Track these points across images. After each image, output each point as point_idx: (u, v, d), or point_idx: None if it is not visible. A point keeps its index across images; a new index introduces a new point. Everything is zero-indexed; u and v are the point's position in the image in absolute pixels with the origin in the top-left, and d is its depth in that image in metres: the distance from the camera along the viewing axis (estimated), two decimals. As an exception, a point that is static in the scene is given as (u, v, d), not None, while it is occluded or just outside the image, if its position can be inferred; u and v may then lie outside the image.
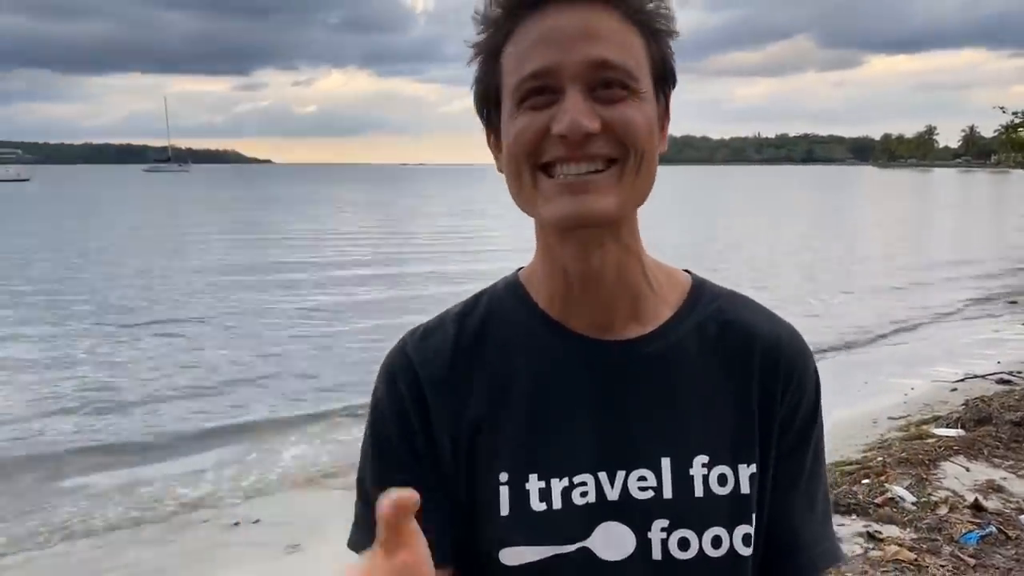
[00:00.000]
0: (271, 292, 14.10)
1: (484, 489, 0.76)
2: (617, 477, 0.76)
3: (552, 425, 0.77)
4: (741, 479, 0.77)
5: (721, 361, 0.80)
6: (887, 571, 3.77)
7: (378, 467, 0.80)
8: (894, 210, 39.99)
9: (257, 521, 5.31)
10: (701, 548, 0.75)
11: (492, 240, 22.50)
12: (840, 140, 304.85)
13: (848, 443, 5.92)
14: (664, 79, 0.76)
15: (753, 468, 0.78)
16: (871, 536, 4.21)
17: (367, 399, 0.83)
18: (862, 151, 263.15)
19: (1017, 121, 17.37)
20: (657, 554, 0.75)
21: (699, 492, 0.76)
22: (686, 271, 0.87)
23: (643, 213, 0.79)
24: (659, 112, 0.75)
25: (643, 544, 0.75)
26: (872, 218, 34.39)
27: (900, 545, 4.07)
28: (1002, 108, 17.31)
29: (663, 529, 0.75)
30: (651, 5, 0.74)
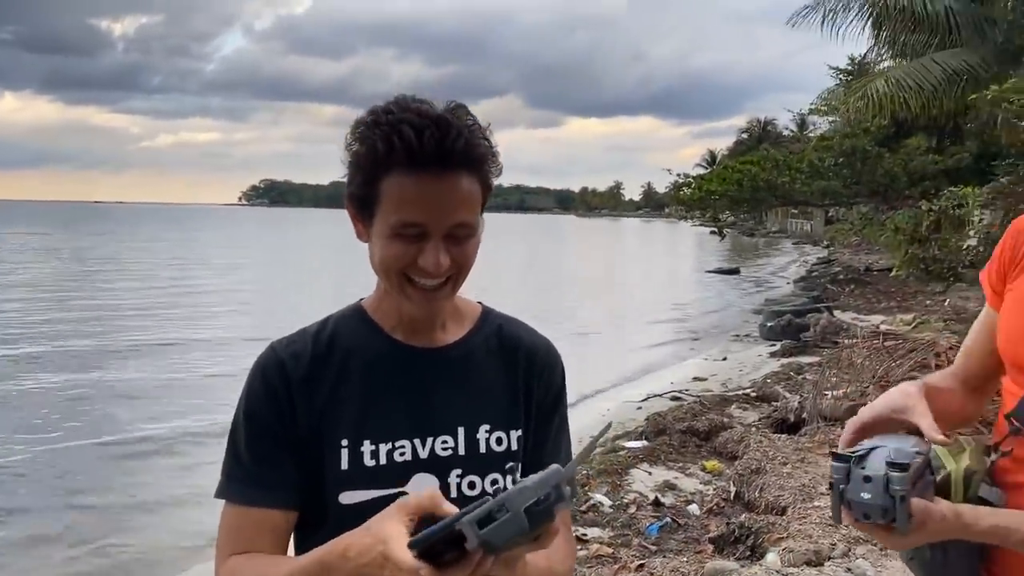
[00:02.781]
0: None
1: (329, 451, 1.07)
2: (427, 441, 1.09)
3: (380, 406, 1.09)
4: (511, 440, 1.13)
5: (499, 362, 1.16)
6: (592, 566, 4.40)
7: (251, 436, 1.08)
8: (602, 257, 44.99)
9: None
10: (483, 487, 1.09)
11: (210, 297, 19.99)
12: (547, 191, 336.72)
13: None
14: (487, 200, 1.08)
15: (519, 432, 1.14)
16: (579, 539, 4.87)
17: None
18: (564, 201, 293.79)
19: (680, 182, 21.11)
20: (453, 492, 1.08)
21: (483, 449, 1.11)
22: (479, 302, 1.24)
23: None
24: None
25: (444, 487, 1.07)
26: (582, 265, 38.27)
27: (601, 543, 4.77)
28: (668, 170, 20.85)
29: (458, 476, 1.09)
30: (493, 166, 1.06)
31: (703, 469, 6.16)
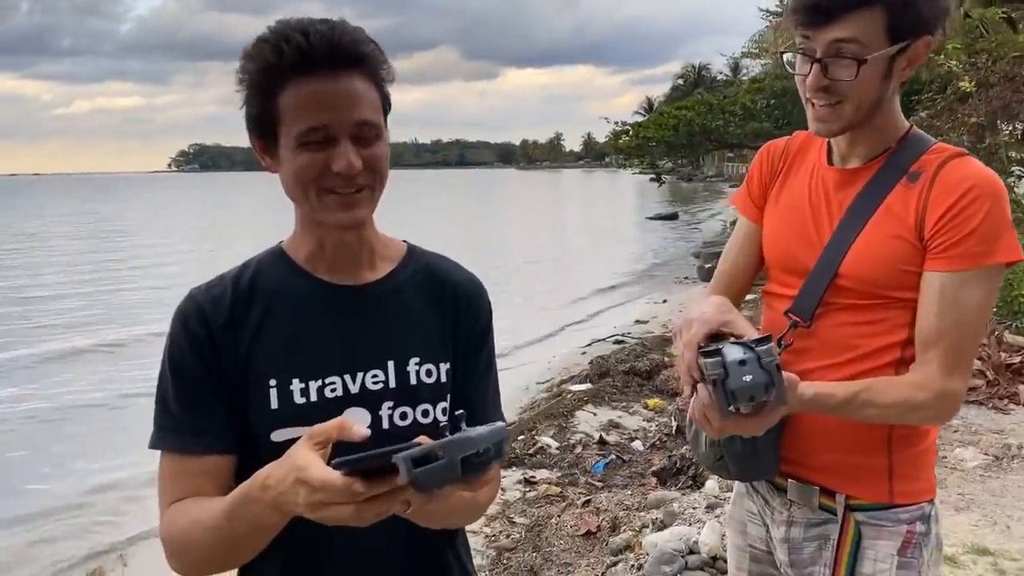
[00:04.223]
0: None
1: (257, 392, 1.06)
2: (357, 377, 1.08)
3: (307, 344, 1.09)
4: (441, 372, 1.13)
5: (427, 296, 1.16)
6: (540, 505, 4.51)
7: (178, 385, 1.06)
8: (543, 209, 45.03)
9: None
10: (415, 418, 1.10)
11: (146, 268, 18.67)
12: (487, 145, 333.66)
13: (507, 408, 6.79)
14: (387, 110, 1.08)
15: (448, 365, 1.15)
16: (527, 481, 4.98)
17: None
18: (505, 155, 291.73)
19: (618, 130, 21.15)
20: (385, 424, 1.09)
21: (413, 381, 1.11)
22: (404, 240, 1.24)
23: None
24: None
25: (376, 419, 1.08)
26: (524, 217, 38.26)
27: (549, 483, 4.89)
28: (606, 119, 20.86)
29: (389, 408, 1.09)
30: (383, 68, 1.05)
31: (645, 407, 6.34)
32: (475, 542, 4.15)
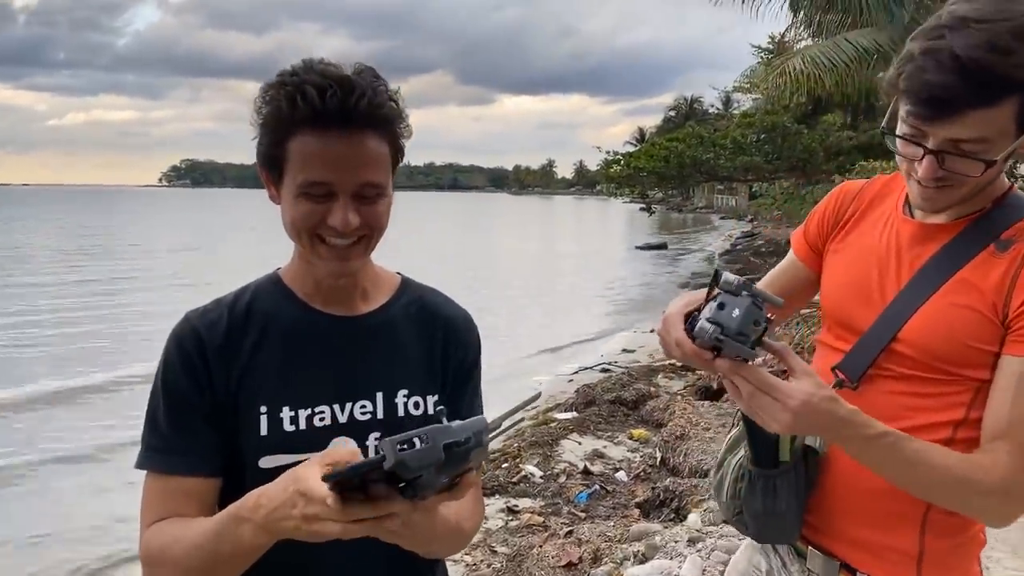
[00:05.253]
0: None
1: (248, 418, 1.08)
2: (346, 407, 1.11)
3: (299, 373, 1.11)
4: (428, 404, 1.16)
5: (418, 329, 1.19)
6: (523, 535, 4.49)
7: (169, 406, 1.08)
8: (535, 234, 45.18)
9: None
10: None
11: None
12: (480, 170, 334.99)
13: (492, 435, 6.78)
14: (398, 163, 1.10)
15: (436, 397, 1.17)
16: (510, 510, 4.96)
17: None
18: (497, 180, 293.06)
19: (610, 159, 21.37)
20: (372, 454, 1.07)
21: (400, 413, 1.13)
22: (399, 273, 1.26)
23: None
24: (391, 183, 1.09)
25: (363, 449, 1.08)
26: (515, 242, 38.35)
27: (532, 512, 4.87)
28: (598, 147, 21.08)
29: (376, 439, 1.11)
30: (400, 126, 1.06)
31: (630, 437, 6.34)
32: (456, 571, 4.12)
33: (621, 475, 5.49)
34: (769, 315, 1.02)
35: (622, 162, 20.12)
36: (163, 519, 1.04)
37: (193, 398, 1.07)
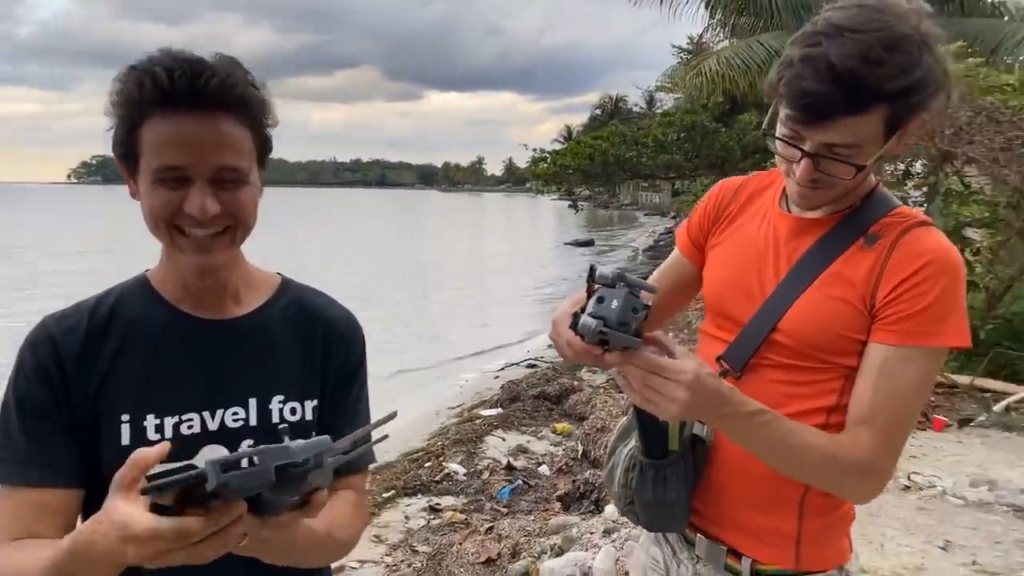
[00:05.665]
0: None
1: (109, 427, 1.03)
2: (217, 414, 1.07)
3: (165, 380, 1.06)
4: (307, 410, 1.13)
5: (297, 332, 1.15)
6: (444, 533, 4.48)
7: (22, 416, 1.02)
8: (464, 231, 45.02)
9: None
10: None
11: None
12: (409, 166, 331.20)
13: (416, 435, 6.74)
14: (265, 154, 1.06)
15: (315, 402, 1.14)
16: (432, 508, 4.94)
17: None
18: (427, 177, 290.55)
19: (537, 157, 21.53)
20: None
21: (276, 419, 1.10)
22: (279, 273, 1.22)
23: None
24: (259, 174, 1.07)
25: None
26: (444, 239, 38.14)
27: (455, 510, 4.87)
28: (525, 145, 21.20)
29: (249, 446, 1.05)
30: (260, 112, 1.02)
31: (554, 431, 6.42)
32: (376, 572, 4.08)
33: (544, 469, 5.55)
34: (647, 303, 1.04)
35: (549, 160, 20.30)
36: (17, 538, 0.97)
37: (49, 408, 1.02)
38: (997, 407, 5.95)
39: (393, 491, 5.23)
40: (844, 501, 1.29)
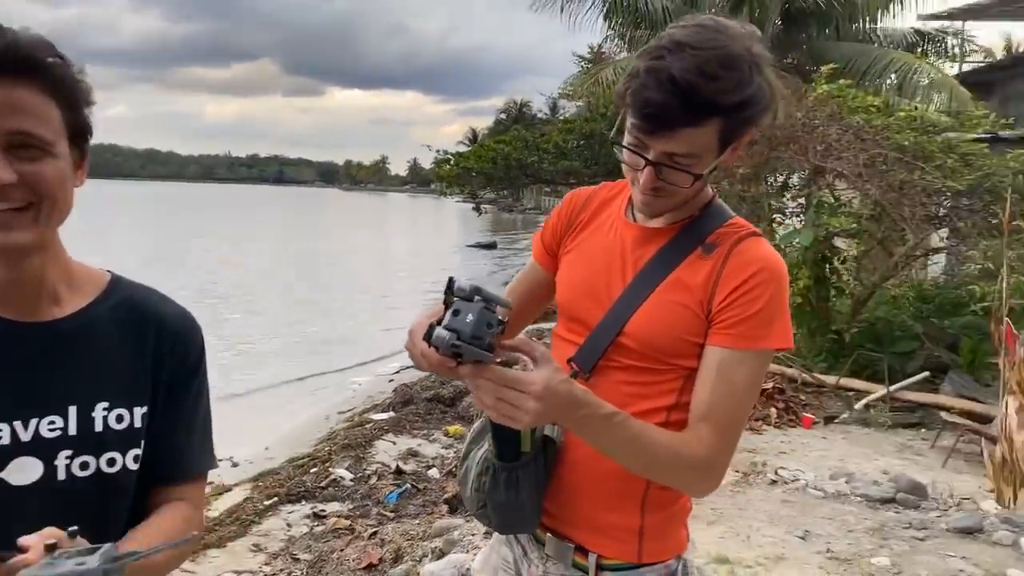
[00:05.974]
0: None
1: None
2: (30, 423, 1.00)
3: None
4: (135, 417, 1.07)
5: (127, 334, 1.09)
6: (327, 540, 4.38)
7: None
8: (365, 231, 44.23)
9: None
10: (99, 467, 1.03)
11: None
12: (309, 163, 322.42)
13: (303, 440, 6.56)
14: (82, 135, 1.00)
15: (144, 409, 1.08)
16: (316, 515, 4.81)
17: None
18: (328, 174, 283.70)
19: (441, 158, 21.45)
20: (62, 475, 1.01)
21: (99, 428, 1.04)
22: (108, 271, 1.15)
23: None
24: (75, 159, 1.00)
25: (50, 469, 1.00)
26: (344, 240, 37.33)
27: (339, 516, 4.76)
28: (429, 146, 21.12)
29: (67, 457, 1.02)
30: (67, 84, 0.96)
31: (446, 434, 6.39)
32: (253, 583, 3.94)
33: (434, 472, 5.52)
34: (502, 318, 1.06)
35: (452, 162, 20.28)
36: None
37: None
38: (858, 405, 6.41)
39: (276, 498, 5.06)
40: (682, 495, 1.36)
